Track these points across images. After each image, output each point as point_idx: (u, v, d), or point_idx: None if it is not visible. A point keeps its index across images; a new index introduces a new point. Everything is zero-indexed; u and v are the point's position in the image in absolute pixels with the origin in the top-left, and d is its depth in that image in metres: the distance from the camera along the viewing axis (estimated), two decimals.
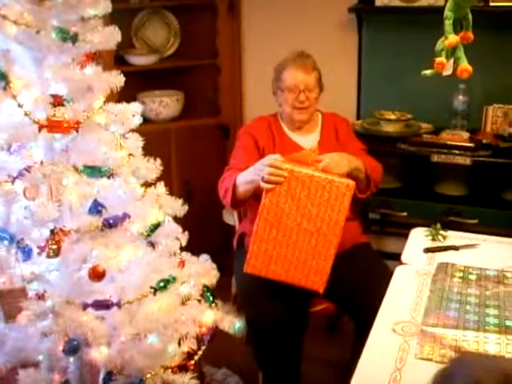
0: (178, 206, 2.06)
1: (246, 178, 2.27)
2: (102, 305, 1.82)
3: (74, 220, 1.80)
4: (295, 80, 2.45)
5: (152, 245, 1.98)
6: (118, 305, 1.83)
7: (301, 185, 2.08)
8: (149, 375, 1.88)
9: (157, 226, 1.97)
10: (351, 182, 2.11)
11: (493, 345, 1.57)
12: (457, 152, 2.91)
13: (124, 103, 1.96)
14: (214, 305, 2.09)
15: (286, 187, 2.08)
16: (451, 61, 1.67)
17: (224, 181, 2.40)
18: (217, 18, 3.54)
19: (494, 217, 2.97)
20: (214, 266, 2.17)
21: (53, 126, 1.77)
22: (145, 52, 3.59)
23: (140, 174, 1.96)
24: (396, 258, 2.15)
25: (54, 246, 1.74)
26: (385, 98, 3.36)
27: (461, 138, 3.00)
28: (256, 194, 2.25)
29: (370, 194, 2.41)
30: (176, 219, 2.07)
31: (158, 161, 1.99)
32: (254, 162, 2.28)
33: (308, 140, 2.54)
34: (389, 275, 1.98)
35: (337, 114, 2.70)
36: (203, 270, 2.12)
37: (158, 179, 2.02)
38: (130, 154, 1.94)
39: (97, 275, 1.79)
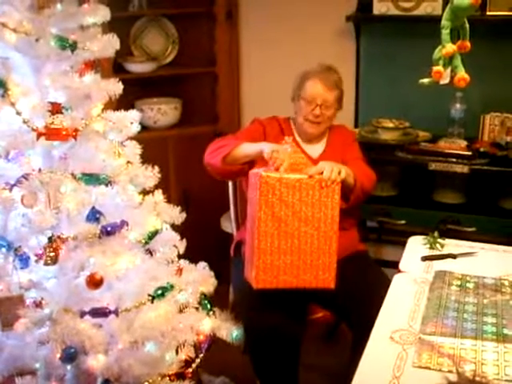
0: (176, 214, 2.06)
1: (250, 146, 2.31)
2: (100, 312, 1.82)
3: (71, 227, 1.80)
4: (315, 93, 2.45)
5: (150, 252, 1.98)
6: (116, 312, 1.83)
7: (291, 190, 2.09)
8: (146, 383, 1.88)
9: (155, 233, 1.97)
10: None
11: (491, 353, 1.57)
12: (454, 160, 2.91)
13: (122, 111, 1.96)
14: (211, 312, 2.09)
15: (278, 196, 2.08)
16: (448, 70, 1.68)
17: (223, 140, 2.43)
18: (215, 25, 3.55)
19: (492, 225, 2.97)
20: (212, 273, 2.16)
21: (51, 133, 1.77)
22: (143, 60, 3.59)
23: (138, 181, 1.96)
24: (394, 266, 2.15)
25: (52, 254, 1.74)
26: (382, 106, 3.37)
27: (458, 146, 3.01)
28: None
29: (355, 202, 2.38)
30: (174, 227, 2.07)
31: (156, 168, 1.99)
32: None
33: (314, 149, 2.55)
34: (387, 283, 1.98)
35: (345, 125, 2.72)
36: (201, 277, 2.12)
37: (156, 187, 2.02)
38: (128, 162, 1.94)
39: (94, 283, 1.78)
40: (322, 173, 2.12)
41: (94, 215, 1.82)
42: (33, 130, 1.75)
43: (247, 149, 2.32)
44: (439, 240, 2.23)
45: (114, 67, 3.28)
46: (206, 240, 3.27)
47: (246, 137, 2.46)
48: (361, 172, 2.38)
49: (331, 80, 2.49)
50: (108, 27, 1.95)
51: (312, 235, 2.12)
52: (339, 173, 2.13)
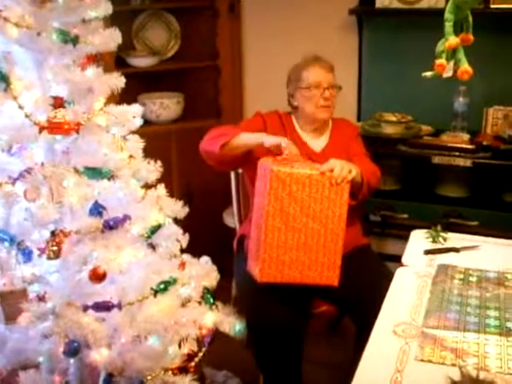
0: (179, 208, 2.06)
1: (250, 136, 2.34)
2: (103, 306, 1.82)
3: (74, 221, 1.80)
4: (319, 77, 2.48)
5: (152, 246, 1.98)
6: (119, 306, 1.83)
7: (301, 185, 2.09)
8: (149, 377, 1.88)
9: (157, 227, 1.97)
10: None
11: (493, 347, 1.57)
12: (457, 154, 2.91)
13: (124, 105, 1.96)
14: (214, 307, 2.09)
15: (288, 191, 2.08)
16: (451, 63, 1.68)
17: (221, 128, 2.45)
18: (217, 19, 3.54)
19: (495, 218, 2.97)
20: (215, 267, 2.17)
21: (53, 127, 1.77)
22: (145, 54, 3.59)
23: (140, 175, 1.96)
24: (397, 259, 2.15)
25: (55, 248, 1.74)
26: (385, 100, 3.36)
27: (461, 139, 3.00)
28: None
29: (362, 199, 2.39)
30: (176, 221, 2.07)
31: (159, 162, 1.99)
32: None
33: (317, 143, 2.55)
34: (389, 277, 1.98)
35: (347, 119, 2.72)
36: (204, 271, 2.12)
37: (159, 181, 2.02)
38: (131, 156, 1.94)
39: (97, 277, 1.79)
40: (332, 170, 2.12)
41: (97, 209, 1.82)
42: (35, 123, 1.75)
43: (246, 139, 2.33)
44: (442, 234, 2.22)
45: (116, 61, 3.27)
46: (208, 234, 3.27)
47: (246, 129, 2.46)
48: (367, 169, 2.39)
49: (327, 63, 2.54)
50: (110, 21, 1.94)
51: (319, 232, 2.11)
52: (349, 171, 2.13)
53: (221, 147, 2.32)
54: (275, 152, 2.22)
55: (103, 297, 1.84)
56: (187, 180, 3.47)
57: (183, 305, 2.01)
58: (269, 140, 2.25)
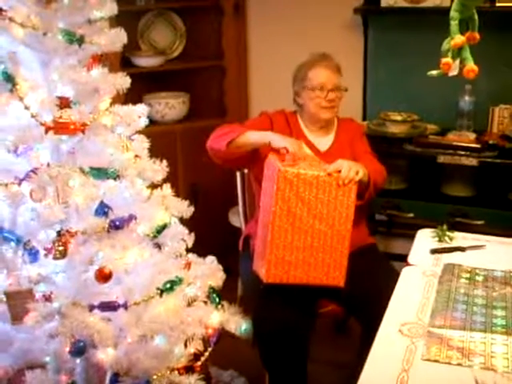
0: (184, 208, 2.06)
1: (257, 135, 2.33)
2: (109, 306, 1.82)
3: (80, 221, 1.81)
4: (324, 79, 2.48)
5: (158, 246, 1.99)
6: (125, 306, 1.83)
7: (308, 186, 2.08)
8: (155, 376, 1.88)
9: (163, 227, 1.98)
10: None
11: (500, 346, 1.56)
12: (463, 153, 2.90)
13: (130, 105, 1.96)
14: (220, 306, 2.09)
15: (295, 191, 2.07)
16: (457, 61, 1.67)
17: (229, 126, 2.45)
18: (222, 19, 3.55)
19: (501, 218, 2.96)
20: (220, 267, 2.17)
21: (59, 127, 1.77)
22: (151, 54, 3.60)
23: (146, 175, 1.96)
24: (402, 259, 2.15)
25: (61, 248, 1.75)
26: (391, 99, 3.35)
27: (467, 138, 3.00)
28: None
29: (368, 199, 2.39)
30: (182, 221, 2.08)
31: (164, 162, 1.99)
32: None
33: (323, 142, 2.55)
34: (395, 276, 1.98)
35: (353, 119, 2.72)
36: (209, 271, 2.12)
37: (164, 181, 2.03)
38: (136, 156, 1.94)
39: (103, 277, 1.79)
40: (339, 171, 2.11)
41: (103, 209, 1.83)
42: (41, 124, 1.76)
43: (253, 137, 2.33)
44: (448, 233, 2.22)
45: (122, 61, 3.28)
46: (214, 234, 3.27)
47: (252, 128, 2.46)
48: (373, 169, 2.39)
49: (333, 64, 2.54)
50: (115, 21, 1.95)
51: (325, 233, 2.11)
52: (357, 172, 2.13)
53: (227, 145, 2.32)
54: (283, 152, 2.22)
55: (109, 297, 1.84)
56: (193, 180, 3.48)
57: (189, 304, 2.01)
58: (277, 142, 2.24)
